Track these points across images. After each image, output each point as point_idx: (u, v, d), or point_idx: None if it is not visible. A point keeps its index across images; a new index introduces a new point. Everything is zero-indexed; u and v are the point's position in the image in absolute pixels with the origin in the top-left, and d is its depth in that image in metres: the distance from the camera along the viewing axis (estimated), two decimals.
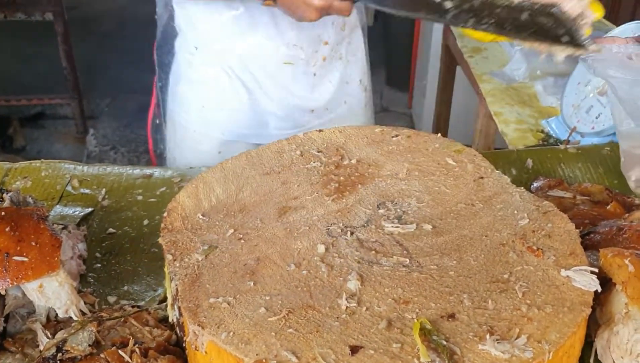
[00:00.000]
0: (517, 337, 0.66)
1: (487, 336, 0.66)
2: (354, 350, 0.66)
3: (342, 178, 0.95)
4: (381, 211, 0.88)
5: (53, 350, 0.78)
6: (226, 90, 1.43)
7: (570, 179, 1.19)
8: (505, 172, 1.17)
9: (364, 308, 0.71)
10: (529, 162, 1.23)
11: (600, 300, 0.78)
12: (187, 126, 1.49)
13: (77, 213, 1.10)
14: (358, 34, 1.51)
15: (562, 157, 1.26)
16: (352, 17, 1.43)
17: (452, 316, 0.70)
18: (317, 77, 1.44)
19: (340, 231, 0.84)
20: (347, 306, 0.71)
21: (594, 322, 0.78)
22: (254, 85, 1.42)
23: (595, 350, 0.77)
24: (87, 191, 1.17)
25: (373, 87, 1.64)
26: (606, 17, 2.49)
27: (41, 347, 0.80)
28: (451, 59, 2.54)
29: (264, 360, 0.65)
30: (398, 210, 0.88)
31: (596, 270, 0.75)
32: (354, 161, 0.99)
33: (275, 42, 1.36)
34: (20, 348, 0.81)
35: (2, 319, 0.83)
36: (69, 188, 1.17)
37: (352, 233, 0.83)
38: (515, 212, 0.86)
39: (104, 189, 1.17)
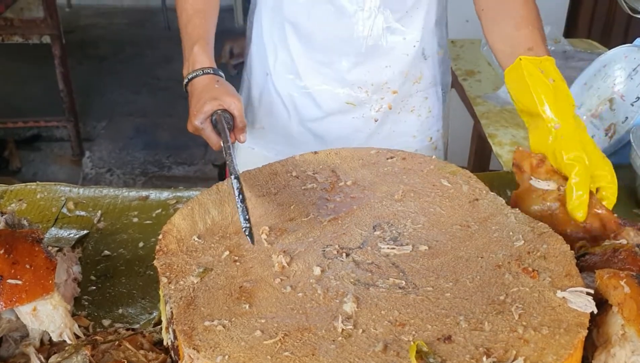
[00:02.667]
0: (514, 359, 0.66)
1: (484, 358, 0.66)
2: None
3: (337, 200, 0.95)
4: (377, 232, 0.88)
5: None
6: (281, 115, 1.44)
7: None
8: (500, 193, 1.17)
9: (360, 330, 0.71)
10: None
11: (597, 322, 0.78)
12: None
13: (72, 235, 1.10)
14: (438, 90, 1.48)
15: None
16: (430, 72, 1.42)
17: (448, 338, 0.69)
18: (379, 124, 1.42)
19: (336, 252, 0.84)
20: (343, 329, 0.71)
21: (591, 343, 0.78)
22: (311, 118, 1.42)
23: None
24: (82, 213, 1.17)
25: None
26: (598, 40, 2.52)
27: None
28: None
29: None
30: (394, 231, 0.88)
31: (592, 291, 0.75)
32: (349, 183, 1.00)
33: (340, 82, 1.37)
34: None
35: None
36: (64, 210, 1.17)
37: (347, 255, 0.83)
38: (511, 233, 0.86)
39: (100, 212, 1.17)
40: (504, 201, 0.94)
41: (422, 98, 1.45)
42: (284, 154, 1.17)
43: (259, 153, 1.47)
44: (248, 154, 1.47)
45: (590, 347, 0.78)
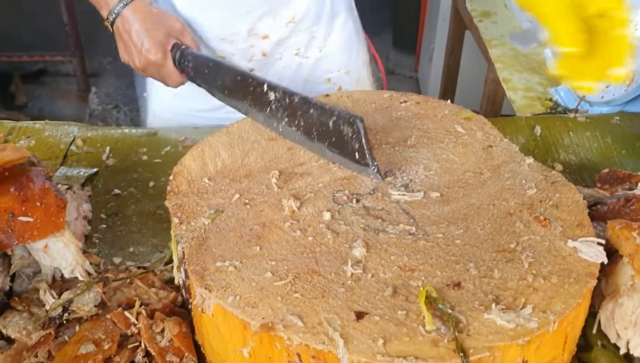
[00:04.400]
0: (523, 307, 0.67)
1: (493, 305, 0.66)
2: (359, 316, 0.66)
3: None
4: (388, 178, 0.87)
5: (59, 310, 0.79)
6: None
7: (578, 148, 1.19)
8: (513, 140, 1.16)
9: (370, 275, 0.71)
10: (537, 129, 1.22)
11: (606, 272, 0.78)
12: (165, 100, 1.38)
13: (81, 173, 1.10)
14: (332, 25, 1.33)
15: (571, 125, 1.25)
16: (305, 9, 1.27)
17: (457, 285, 0.70)
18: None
19: (346, 198, 0.83)
20: (352, 273, 0.71)
21: (598, 292, 0.79)
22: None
23: (599, 321, 0.78)
24: (91, 149, 1.16)
25: (378, 49, 1.52)
26: None
27: (47, 307, 0.80)
28: (460, 23, 2.49)
29: (270, 324, 0.65)
30: (405, 178, 0.87)
31: (603, 241, 0.74)
32: None
33: (206, 35, 1.26)
34: (26, 307, 0.82)
35: (9, 278, 0.84)
36: (72, 147, 1.17)
37: (358, 201, 0.83)
38: (523, 181, 0.86)
39: (108, 148, 1.16)
40: (517, 148, 0.93)
41: (310, 38, 1.31)
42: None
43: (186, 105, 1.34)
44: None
45: (598, 296, 0.78)
